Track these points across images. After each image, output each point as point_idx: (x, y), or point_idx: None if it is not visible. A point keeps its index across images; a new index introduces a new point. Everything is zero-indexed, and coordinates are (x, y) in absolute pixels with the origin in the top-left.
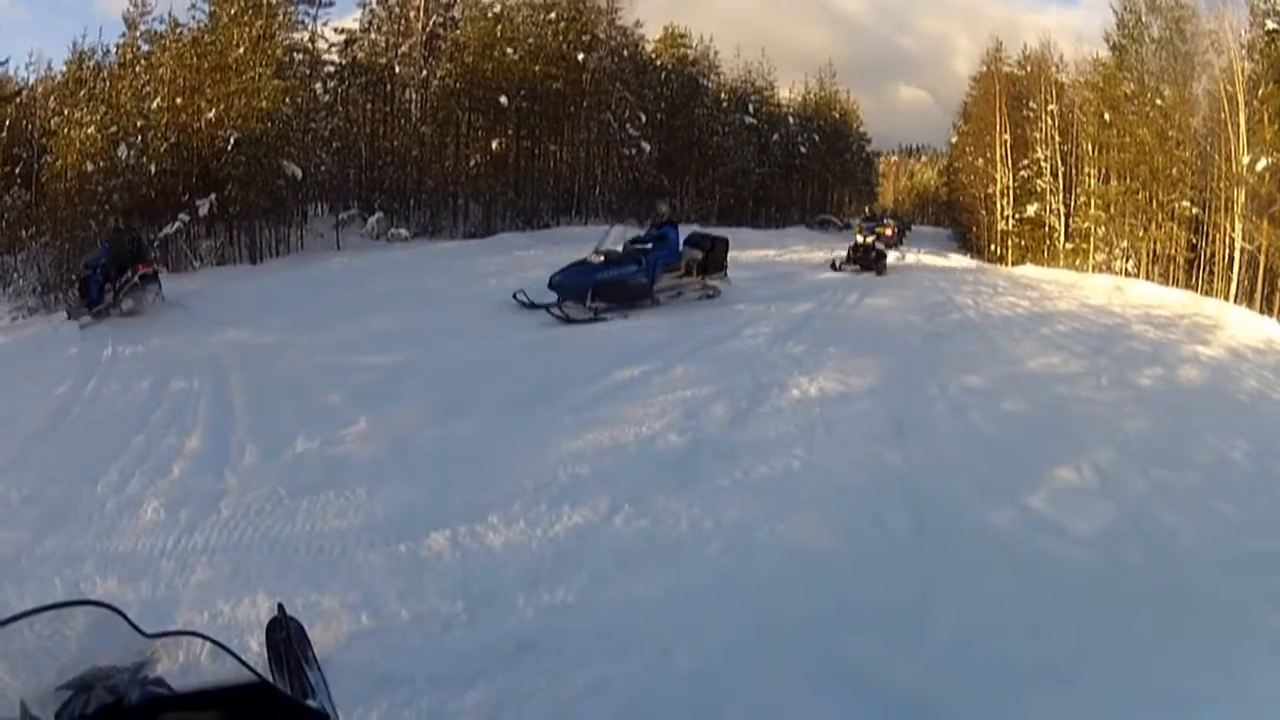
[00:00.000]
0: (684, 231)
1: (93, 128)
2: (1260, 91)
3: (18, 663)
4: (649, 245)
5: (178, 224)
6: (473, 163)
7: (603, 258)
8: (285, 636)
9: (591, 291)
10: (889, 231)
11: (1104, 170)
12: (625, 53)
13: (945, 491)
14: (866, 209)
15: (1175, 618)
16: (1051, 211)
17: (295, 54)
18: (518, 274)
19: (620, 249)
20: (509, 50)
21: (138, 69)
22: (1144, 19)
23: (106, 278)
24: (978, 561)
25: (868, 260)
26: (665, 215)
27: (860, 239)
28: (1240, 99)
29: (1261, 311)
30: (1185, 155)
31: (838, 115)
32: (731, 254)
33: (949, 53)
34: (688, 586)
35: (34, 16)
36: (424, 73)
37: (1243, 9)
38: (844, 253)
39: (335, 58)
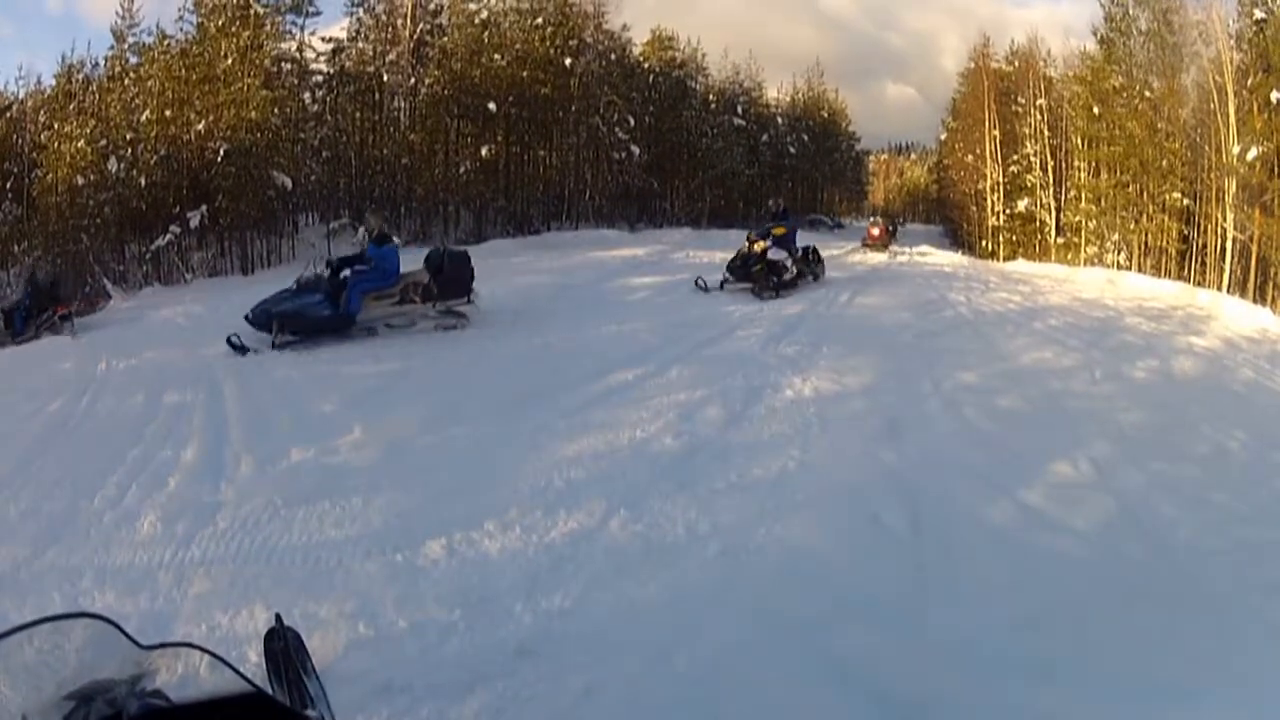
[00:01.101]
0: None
1: (83, 141)
2: (1249, 81)
3: (18, 676)
4: (360, 268)
5: (169, 236)
6: (462, 170)
7: (296, 284)
8: (283, 646)
9: (276, 323)
10: (875, 231)
11: (1094, 164)
12: (613, 57)
13: (941, 488)
14: (771, 202)
15: (1174, 609)
16: (1042, 206)
17: (283, 64)
18: (508, 279)
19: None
20: (496, 56)
21: (126, 82)
22: (1131, 12)
23: (28, 315)
24: (975, 558)
25: (748, 273)
26: (376, 229)
27: (747, 245)
28: (1229, 89)
29: (1255, 301)
30: (1175, 147)
31: (826, 115)
32: (724, 255)
33: (936, 50)
34: (685, 589)
35: (20, 32)
36: (412, 80)
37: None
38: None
39: (323, 67)
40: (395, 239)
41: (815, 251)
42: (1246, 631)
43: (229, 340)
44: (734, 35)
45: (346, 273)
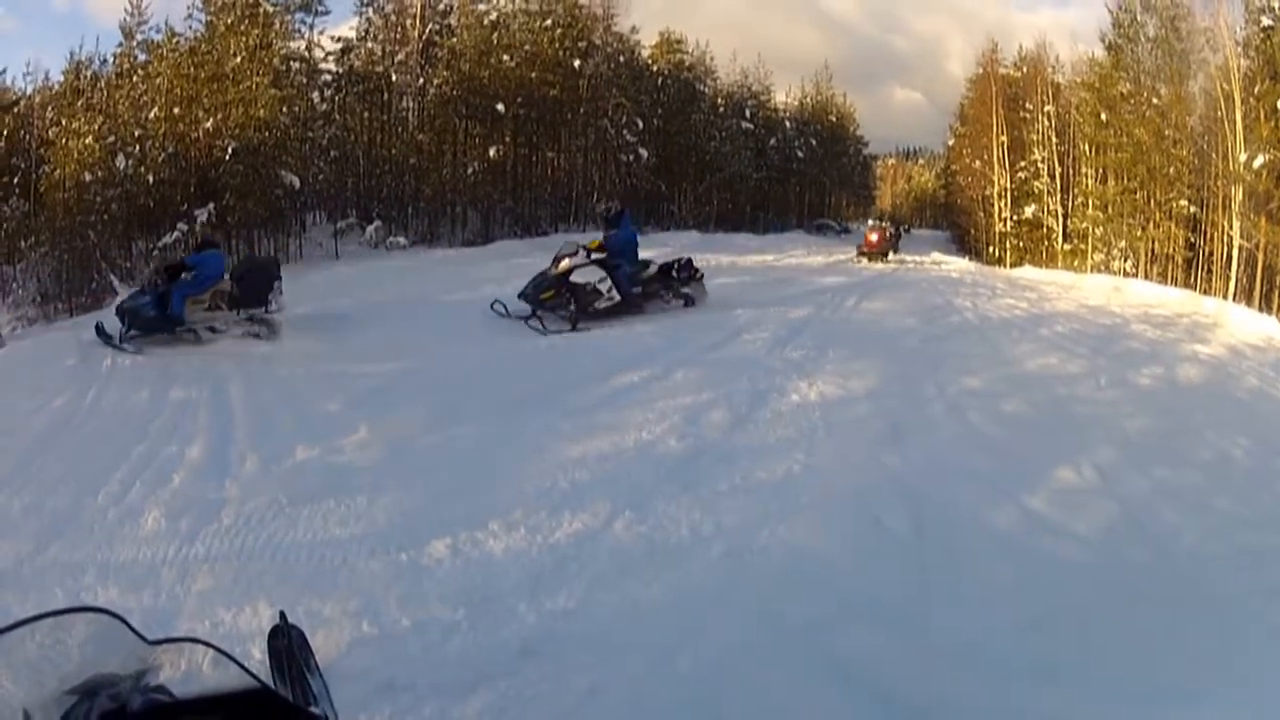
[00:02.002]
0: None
1: (90, 137)
2: (1256, 88)
3: (20, 670)
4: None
5: (176, 234)
6: (470, 170)
7: (141, 287)
8: (287, 644)
9: (122, 319)
10: (874, 237)
11: (1101, 170)
12: (621, 59)
13: (945, 493)
14: (603, 206)
15: (1177, 614)
16: (1049, 213)
17: (292, 63)
18: (514, 282)
19: None
20: (505, 57)
21: (135, 79)
22: (1139, 18)
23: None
24: (979, 561)
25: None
26: (200, 236)
27: (552, 265)
28: (1236, 96)
29: (1260, 309)
30: (1182, 154)
31: (834, 119)
32: (730, 259)
33: (942, 54)
34: (689, 590)
35: (27, 28)
36: (421, 81)
37: (1237, 6)
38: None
39: (332, 66)
40: (218, 247)
41: (687, 266)
42: (1248, 634)
43: (96, 327)
44: (738, 37)
45: (186, 276)
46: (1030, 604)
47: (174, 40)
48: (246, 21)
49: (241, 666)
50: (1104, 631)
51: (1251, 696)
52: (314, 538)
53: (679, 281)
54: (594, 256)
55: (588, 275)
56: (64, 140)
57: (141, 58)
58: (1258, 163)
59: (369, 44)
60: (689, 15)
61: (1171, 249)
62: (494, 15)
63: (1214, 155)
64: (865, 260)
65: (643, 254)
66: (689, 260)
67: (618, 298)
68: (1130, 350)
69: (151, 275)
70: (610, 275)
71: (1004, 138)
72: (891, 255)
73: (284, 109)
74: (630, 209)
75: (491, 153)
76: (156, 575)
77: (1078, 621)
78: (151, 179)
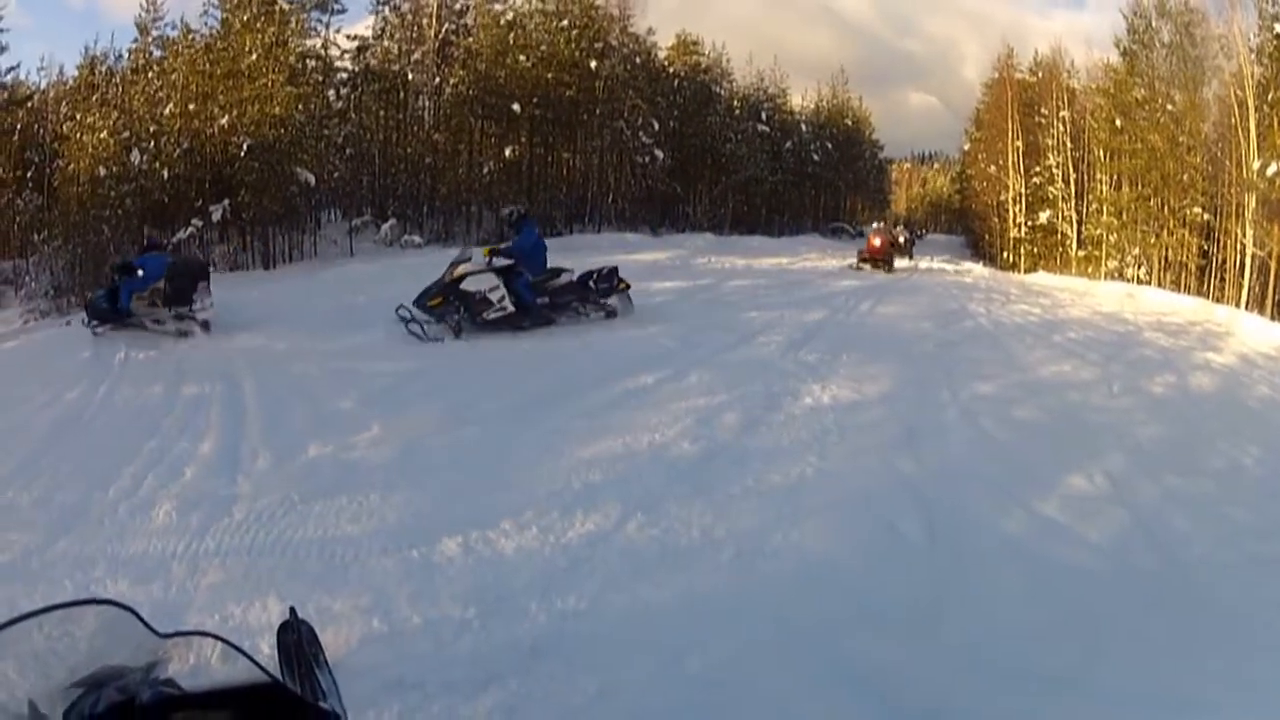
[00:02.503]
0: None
1: (105, 132)
2: (1270, 96)
3: (27, 661)
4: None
5: (191, 229)
6: (486, 170)
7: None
8: (296, 639)
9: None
10: (877, 241)
11: (1116, 176)
12: (638, 60)
13: (957, 498)
14: (506, 210)
15: (1188, 623)
16: (1064, 218)
17: (308, 60)
18: None
19: None
20: (521, 57)
21: (150, 74)
22: (1154, 24)
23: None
24: (990, 568)
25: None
26: (146, 239)
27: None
28: (1250, 103)
29: (1273, 318)
30: (1196, 161)
31: (850, 123)
32: (744, 262)
33: (957, 58)
34: (700, 593)
35: (39, 23)
36: (437, 80)
37: (1251, 13)
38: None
39: (348, 64)
40: (163, 249)
41: (609, 276)
42: (1258, 644)
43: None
44: (752, 39)
45: (140, 273)
46: (1041, 611)
47: (189, 36)
48: (263, 19)
49: (252, 660)
50: (1114, 639)
51: (1261, 707)
52: (325, 534)
53: (597, 292)
54: (496, 263)
55: (479, 283)
56: (78, 135)
57: (157, 54)
58: (1271, 170)
59: (385, 42)
60: (702, 17)
61: (1185, 256)
62: (510, 15)
63: (1227, 162)
64: (867, 267)
65: (665, 254)
66: (612, 270)
67: (510, 308)
68: (1143, 358)
69: (108, 273)
70: (507, 284)
71: (1019, 143)
72: (907, 261)
73: (300, 106)
74: (534, 215)
75: (507, 153)
76: (167, 569)
77: (1088, 629)
78: (166, 174)
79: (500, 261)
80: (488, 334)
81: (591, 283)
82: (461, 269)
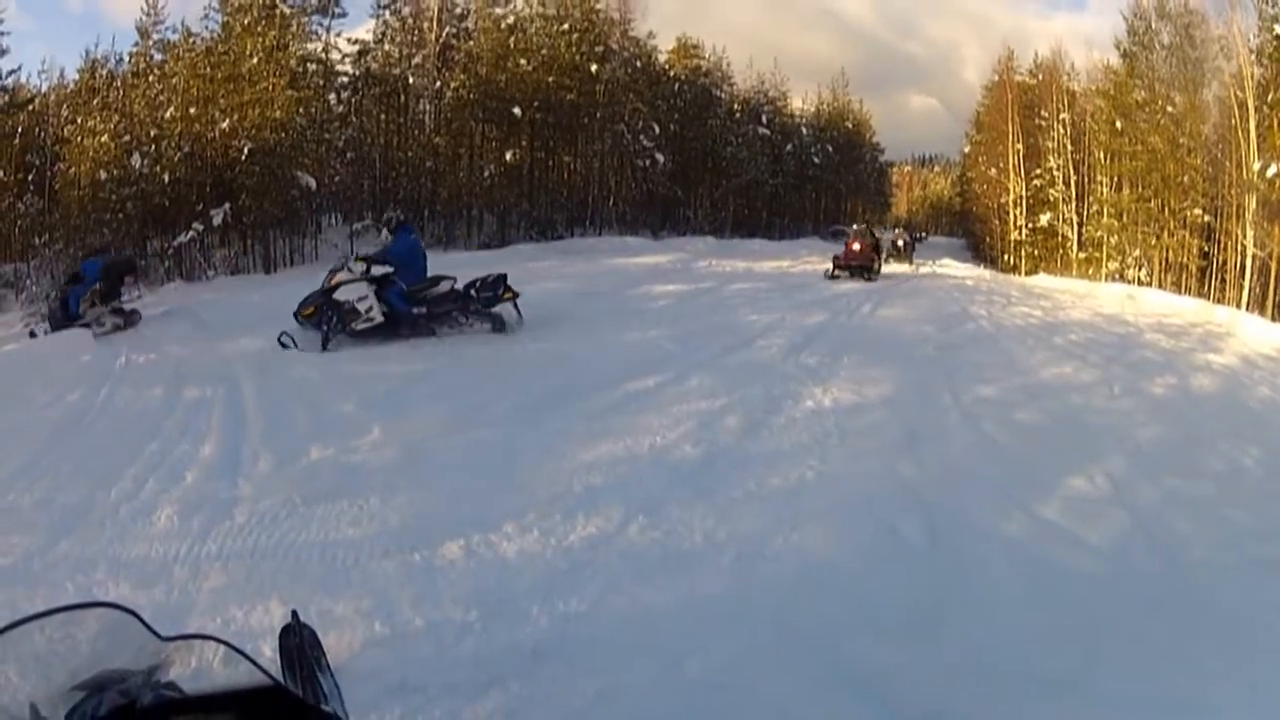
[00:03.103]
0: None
1: (106, 136)
2: (1270, 97)
3: (27, 664)
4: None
5: (191, 233)
6: (486, 174)
7: None
8: (299, 642)
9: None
10: (856, 246)
11: (1116, 178)
12: (638, 64)
13: (958, 501)
14: (386, 215)
15: (1188, 626)
16: (1064, 221)
17: (309, 64)
18: (531, 284)
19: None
20: (522, 61)
21: (151, 78)
22: (1154, 25)
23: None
24: (990, 570)
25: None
26: (88, 246)
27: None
28: (1250, 104)
29: (1273, 319)
30: (1196, 162)
31: (851, 126)
32: (745, 264)
33: (958, 60)
34: (701, 596)
35: (41, 26)
36: (437, 84)
37: (1251, 14)
38: None
39: (349, 68)
40: (105, 252)
41: (494, 285)
42: (1259, 646)
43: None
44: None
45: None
46: (1041, 613)
47: (190, 40)
48: (263, 23)
49: (254, 663)
50: (1114, 642)
51: (1262, 710)
52: (327, 537)
53: (480, 301)
54: (374, 271)
55: (349, 292)
56: (79, 138)
57: (158, 57)
58: (1271, 171)
59: (386, 47)
60: (704, 21)
61: (1185, 258)
62: (511, 19)
63: (1228, 164)
64: (845, 275)
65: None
66: (498, 277)
67: (379, 318)
68: (1144, 360)
69: (61, 285)
70: (379, 293)
71: (1019, 145)
72: (907, 266)
73: (300, 110)
74: (413, 222)
75: (508, 156)
76: (168, 572)
77: (1088, 632)
78: (167, 178)
79: (378, 270)
80: (490, 335)
81: (474, 291)
82: (337, 278)
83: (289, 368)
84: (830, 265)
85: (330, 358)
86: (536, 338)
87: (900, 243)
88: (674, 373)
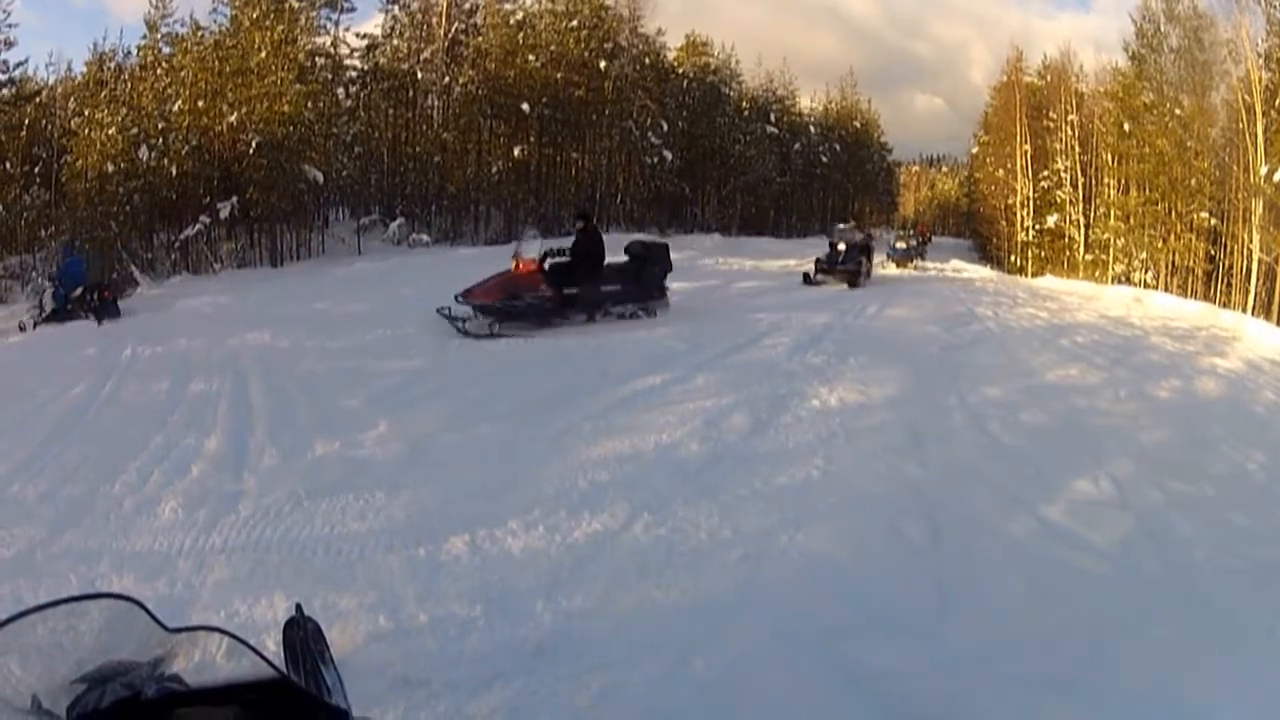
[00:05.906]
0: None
1: (114, 129)
2: (1277, 101)
3: (31, 656)
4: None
5: (198, 226)
6: (494, 169)
7: None
8: (303, 636)
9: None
10: (842, 246)
11: (1123, 181)
12: (647, 61)
13: (963, 502)
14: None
15: (1191, 629)
16: (1071, 223)
17: (317, 58)
18: None
19: None
20: (531, 57)
21: (159, 71)
22: (1163, 28)
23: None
24: (994, 571)
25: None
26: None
27: None
28: (1258, 108)
29: (1278, 324)
30: (1203, 166)
31: (859, 125)
32: (752, 263)
33: (965, 61)
34: (706, 594)
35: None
36: (446, 79)
37: (1259, 18)
38: None
39: (357, 63)
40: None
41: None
42: (1260, 650)
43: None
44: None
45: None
46: (1044, 615)
47: (198, 33)
48: (272, 16)
49: (260, 655)
50: (1116, 644)
51: (1263, 712)
52: (331, 531)
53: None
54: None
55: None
56: (86, 131)
57: (166, 50)
58: (1278, 176)
59: (394, 41)
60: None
61: (1192, 261)
62: (520, 15)
63: (1235, 168)
64: (830, 280)
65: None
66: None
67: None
68: (1149, 363)
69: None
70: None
71: (1027, 146)
72: (911, 268)
73: (308, 104)
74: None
75: (516, 152)
76: (173, 565)
77: (1090, 634)
78: (174, 171)
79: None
80: (484, 342)
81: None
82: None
83: (296, 362)
84: (812, 268)
85: (333, 352)
86: (539, 335)
87: (905, 245)
88: (680, 371)
